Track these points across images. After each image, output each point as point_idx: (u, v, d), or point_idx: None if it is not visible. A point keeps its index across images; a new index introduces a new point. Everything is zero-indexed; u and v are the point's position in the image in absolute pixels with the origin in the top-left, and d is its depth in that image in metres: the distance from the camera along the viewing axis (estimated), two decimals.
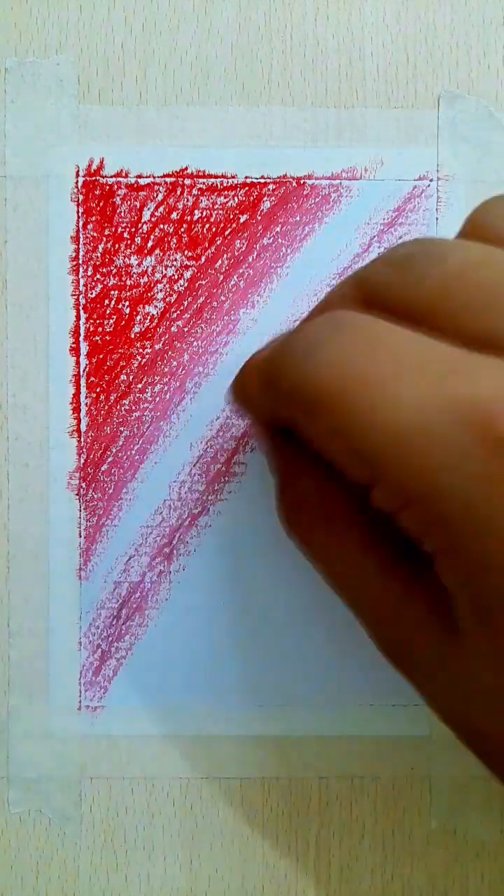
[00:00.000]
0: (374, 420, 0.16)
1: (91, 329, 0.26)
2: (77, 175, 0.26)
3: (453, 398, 0.15)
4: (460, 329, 0.16)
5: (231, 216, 0.26)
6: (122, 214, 0.26)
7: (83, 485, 0.26)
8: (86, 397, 0.26)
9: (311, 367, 0.17)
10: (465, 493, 0.15)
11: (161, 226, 0.26)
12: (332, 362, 0.16)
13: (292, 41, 0.26)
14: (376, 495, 0.17)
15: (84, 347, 0.26)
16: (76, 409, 0.26)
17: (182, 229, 0.26)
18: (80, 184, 0.26)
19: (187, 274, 0.26)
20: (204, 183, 0.26)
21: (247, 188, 0.26)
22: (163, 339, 0.26)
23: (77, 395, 0.26)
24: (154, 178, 0.26)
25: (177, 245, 0.26)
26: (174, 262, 0.26)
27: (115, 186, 0.26)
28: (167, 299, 0.26)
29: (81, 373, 0.26)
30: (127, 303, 0.26)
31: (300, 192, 0.26)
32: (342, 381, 0.16)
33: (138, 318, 0.26)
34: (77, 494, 0.26)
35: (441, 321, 0.16)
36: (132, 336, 0.26)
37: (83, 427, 0.26)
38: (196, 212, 0.26)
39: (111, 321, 0.26)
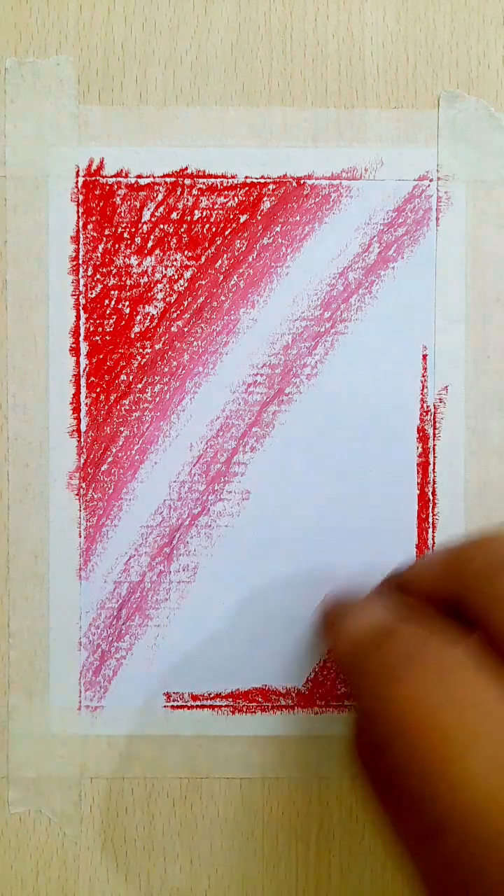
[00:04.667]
0: (445, 781, 0.15)
1: (91, 329, 0.26)
2: (77, 175, 0.26)
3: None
4: None
5: (231, 216, 0.26)
6: (122, 214, 0.26)
7: (83, 485, 0.26)
8: (86, 397, 0.26)
9: (390, 694, 0.16)
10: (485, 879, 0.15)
11: (161, 226, 0.26)
12: (413, 702, 0.16)
13: (292, 41, 0.26)
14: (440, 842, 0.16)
15: (84, 347, 0.26)
16: (76, 409, 0.26)
17: (182, 229, 0.26)
18: (80, 184, 0.26)
19: (187, 274, 0.26)
20: (204, 183, 0.26)
21: (247, 188, 0.26)
22: (163, 339, 0.26)
23: (77, 395, 0.26)
24: (154, 178, 0.26)
25: (177, 245, 0.26)
26: (174, 262, 0.26)
27: (115, 186, 0.26)
28: (167, 299, 0.26)
29: (81, 373, 0.26)
30: (127, 303, 0.26)
31: (300, 192, 0.26)
32: (422, 728, 0.16)
33: (138, 318, 0.26)
34: (77, 494, 0.26)
35: None
36: (132, 336, 0.26)
37: (83, 427, 0.26)
38: (196, 212, 0.26)
39: (111, 321, 0.26)
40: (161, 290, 0.26)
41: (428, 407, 0.26)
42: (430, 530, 0.26)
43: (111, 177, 0.26)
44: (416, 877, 0.17)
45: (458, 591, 0.18)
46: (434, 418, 0.26)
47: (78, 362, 0.26)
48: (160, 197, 0.26)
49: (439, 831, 0.15)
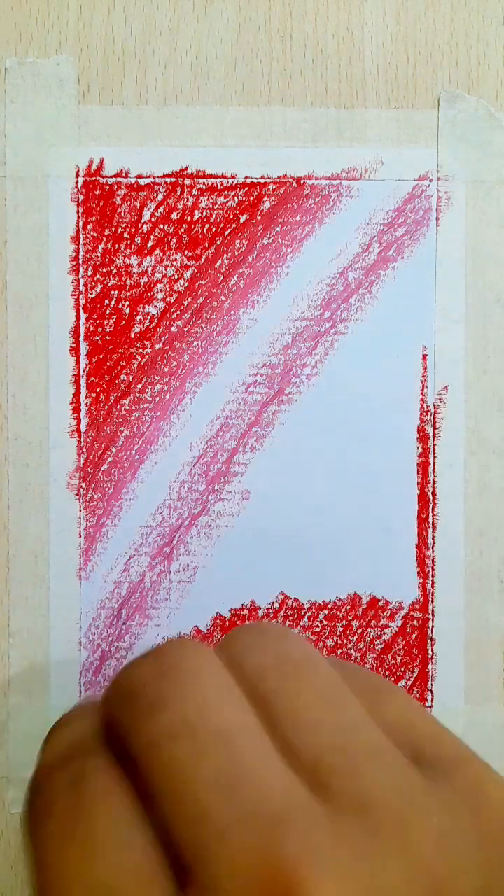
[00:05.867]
0: None
1: (91, 329, 0.26)
2: (77, 175, 0.26)
3: None
4: (156, 803, 0.15)
5: (231, 216, 0.26)
6: (122, 214, 0.26)
7: (83, 485, 0.26)
8: (86, 397, 0.26)
9: (35, 826, 0.16)
10: None
11: (161, 226, 0.26)
12: (46, 834, 0.16)
13: (292, 41, 0.26)
14: None
15: (84, 347, 0.26)
16: (76, 409, 0.26)
17: (182, 229, 0.26)
18: (80, 184, 0.26)
19: (187, 274, 0.26)
20: (204, 183, 0.26)
21: (247, 188, 0.26)
22: (163, 339, 0.26)
23: (77, 395, 0.26)
24: (154, 178, 0.26)
25: (177, 245, 0.26)
26: (174, 262, 0.26)
27: (115, 186, 0.26)
28: (167, 299, 0.26)
29: (81, 373, 0.26)
30: (127, 303, 0.26)
31: (300, 192, 0.26)
32: (46, 857, 0.16)
33: (138, 318, 0.26)
34: (77, 494, 0.26)
35: (147, 784, 0.15)
36: (132, 336, 0.26)
37: (83, 427, 0.26)
38: (196, 212, 0.26)
39: (111, 321, 0.26)
40: (161, 290, 0.26)
41: (428, 407, 0.26)
42: (430, 530, 0.26)
43: (111, 177, 0.26)
44: None
45: (113, 713, 0.17)
46: (434, 418, 0.26)
47: (78, 362, 0.26)
48: (160, 197, 0.26)
49: None
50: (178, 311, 0.26)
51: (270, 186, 0.26)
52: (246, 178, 0.26)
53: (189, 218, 0.26)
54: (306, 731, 0.16)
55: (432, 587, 0.26)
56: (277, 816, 0.14)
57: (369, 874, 0.13)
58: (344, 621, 0.26)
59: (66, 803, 0.16)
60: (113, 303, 0.26)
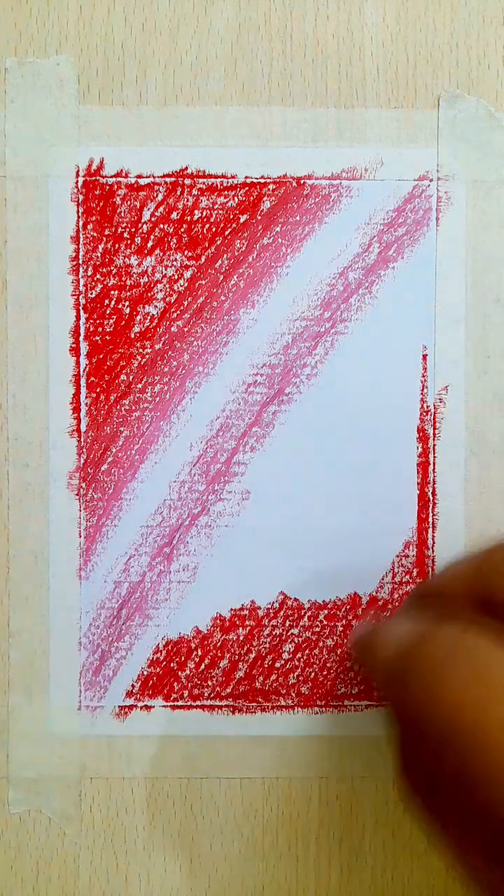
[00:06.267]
0: (484, 763, 0.16)
1: (91, 329, 0.26)
2: (77, 175, 0.26)
3: None
4: None
5: (231, 216, 0.26)
6: (122, 214, 0.26)
7: (83, 485, 0.26)
8: (86, 397, 0.26)
9: (435, 696, 0.17)
10: None
11: (161, 226, 0.26)
12: (448, 696, 0.17)
13: (292, 41, 0.26)
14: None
15: (84, 347, 0.26)
16: (76, 409, 0.26)
17: (182, 229, 0.26)
18: (80, 184, 0.26)
19: (187, 274, 0.26)
20: (204, 183, 0.26)
21: (247, 188, 0.26)
22: (163, 339, 0.26)
23: (77, 395, 0.26)
24: (154, 178, 0.26)
25: (177, 245, 0.26)
26: (174, 262, 0.26)
27: (115, 186, 0.26)
28: (167, 299, 0.26)
29: (81, 373, 0.26)
30: (127, 303, 0.26)
31: (300, 192, 0.26)
32: (471, 724, 0.16)
33: (138, 318, 0.26)
34: (77, 494, 0.26)
35: None
36: (132, 336, 0.26)
37: (83, 427, 0.26)
38: (196, 212, 0.26)
39: (111, 321, 0.26)
40: (161, 290, 0.26)
41: (428, 407, 0.26)
42: (430, 530, 0.26)
43: (111, 177, 0.26)
44: (481, 890, 0.17)
45: (487, 591, 0.18)
46: (434, 418, 0.26)
47: (78, 362, 0.26)
48: (160, 197, 0.26)
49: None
50: (178, 311, 0.26)
51: (270, 186, 0.26)
52: (246, 178, 0.26)
53: (189, 218, 0.26)
54: None
55: None
56: None
57: None
58: (344, 621, 0.26)
59: (459, 653, 0.17)
60: (113, 303, 0.26)
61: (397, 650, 0.19)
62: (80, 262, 0.26)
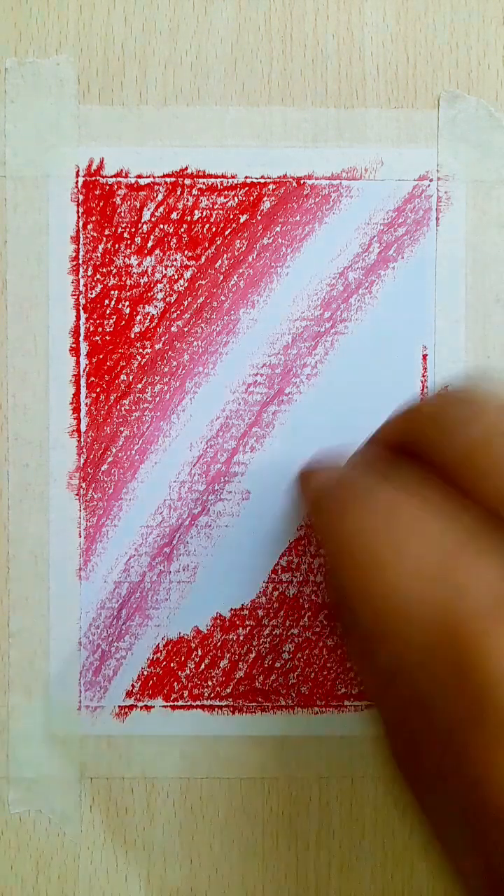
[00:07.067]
0: (373, 594, 0.17)
1: (91, 329, 0.26)
2: (77, 175, 0.26)
3: (437, 602, 0.16)
4: (481, 496, 0.17)
5: (231, 216, 0.26)
6: (122, 214, 0.26)
7: (83, 485, 0.26)
8: (86, 397, 0.26)
9: (337, 527, 0.18)
10: (421, 690, 0.16)
11: (161, 226, 0.26)
12: (353, 531, 0.18)
13: (292, 41, 0.26)
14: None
15: (84, 347, 0.26)
16: (76, 409, 0.26)
17: (182, 229, 0.26)
18: (80, 184, 0.26)
19: (187, 274, 0.26)
20: (204, 183, 0.26)
21: (247, 188, 0.26)
22: (163, 339, 0.26)
23: (77, 395, 0.26)
24: (154, 178, 0.26)
25: (177, 245, 0.26)
26: (174, 262, 0.26)
27: (115, 186, 0.26)
28: (167, 299, 0.26)
29: (81, 373, 0.26)
30: (127, 303, 0.26)
31: (300, 192, 0.26)
32: (356, 551, 0.18)
33: (138, 318, 0.26)
34: (77, 494, 0.26)
35: (466, 484, 0.18)
36: (132, 336, 0.26)
37: (83, 427, 0.26)
38: (196, 212, 0.26)
39: (111, 321, 0.26)
40: (161, 290, 0.26)
41: None
42: None
43: (111, 177, 0.26)
44: (380, 722, 0.18)
45: (413, 436, 0.19)
46: None
47: (78, 362, 0.26)
48: (160, 197, 0.26)
49: (377, 645, 0.17)
50: (178, 311, 0.26)
51: (270, 186, 0.26)
52: (246, 178, 0.26)
53: (189, 218, 0.26)
54: None
55: None
56: None
57: None
58: None
59: (368, 500, 0.18)
60: (113, 303, 0.26)
61: (321, 487, 0.21)
62: (80, 262, 0.26)
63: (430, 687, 0.16)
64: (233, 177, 0.26)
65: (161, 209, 0.26)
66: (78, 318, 0.26)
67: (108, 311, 0.26)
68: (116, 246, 0.26)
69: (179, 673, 0.26)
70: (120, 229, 0.26)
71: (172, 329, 0.26)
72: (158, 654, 0.26)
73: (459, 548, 0.17)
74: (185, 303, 0.26)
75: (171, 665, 0.26)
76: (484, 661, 0.15)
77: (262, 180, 0.26)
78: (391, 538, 0.17)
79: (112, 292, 0.26)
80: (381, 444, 0.21)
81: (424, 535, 0.17)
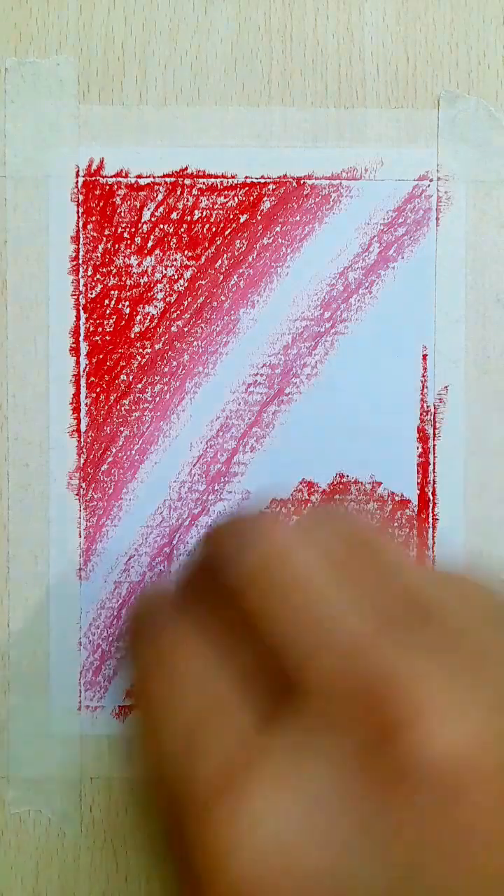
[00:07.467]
0: (145, 749, 0.16)
1: (91, 329, 0.26)
2: (77, 175, 0.26)
3: (179, 773, 0.15)
4: (258, 632, 0.16)
5: (231, 216, 0.26)
6: (122, 214, 0.26)
7: (83, 485, 0.26)
8: (86, 397, 0.26)
9: (131, 661, 0.18)
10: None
11: (161, 226, 0.26)
12: (138, 668, 0.17)
13: (292, 41, 0.26)
14: None
15: (84, 347, 0.26)
16: (76, 409, 0.26)
17: (182, 229, 0.26)
18: (80, 184, 0.26)
19: (187, 274, 0.26)
20: (204, 183, 0.26)
21: (247, 188, 0.26)
22: (163, 339, 0.26)
23: (77, 395, 0.26)
24: (154, 178, 0.26)
25: (177, 245, 0.26)
26: (174, 262, 0.26)
27: (115, 186, 0.26)
28: (167, 299, 0.26)
29: (81, 373, 0.26)
30: (127, 303, 0.26)
31: (300, 192, 0.26)
32: (135, 691, 0.17)
33: (138, 318, 0.26)
34: (77, 494, 0.26)
35: (244, 617, 0.16)
36: (132, 336, 0.26)
37: (83, 427, 0.26)
38: (196, 212, 0.26)
39: (111, 321, 0.26)
40: (161, 290, 0.26)
41: (428, 407, 0.26)
42: (430, 530, 0.26)
43: (111, 177, 0.26)
44: None
45: (208, 561, 0.18)
46: (434, 418, 0.26)
47: (78, 362, 0.26)
48: (160, 197, 0.26)
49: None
50: (178, 311, 0.26)
51: (270, 186, 0.26)
52: (246, 178, 0.26)
53: (189, 218, 0.26)
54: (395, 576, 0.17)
55: None
56: (375, 631, 0.15)
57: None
58: None
59: (149, 652, 0.18)
60: (113, 303, 0.26)
61: (134, 613, 0.20)
62: (80, 262, 0.26)
63: (173, 867, 0.15)
64: (233, 177, 0.26)
65: (161, 209, 0.26)
66: (78, 318, 0.26)
67: (108, 311, 0.26)
68: (116, 246, 0.26)
69: None
70: (120, 229, 0.26)
71: (172, 329, 0.26)
72: None
73: (215, 703, 0.15)
74: (185, 303, 0.26)
75: None
76: (201, 839, 0.14)
77: (262, 180, 0.26)
78: (162, 688, 0.16)
79: (112, 292, 0.26)
80: (194, 566, 0.19)
81: (190, 685, 0.16)
